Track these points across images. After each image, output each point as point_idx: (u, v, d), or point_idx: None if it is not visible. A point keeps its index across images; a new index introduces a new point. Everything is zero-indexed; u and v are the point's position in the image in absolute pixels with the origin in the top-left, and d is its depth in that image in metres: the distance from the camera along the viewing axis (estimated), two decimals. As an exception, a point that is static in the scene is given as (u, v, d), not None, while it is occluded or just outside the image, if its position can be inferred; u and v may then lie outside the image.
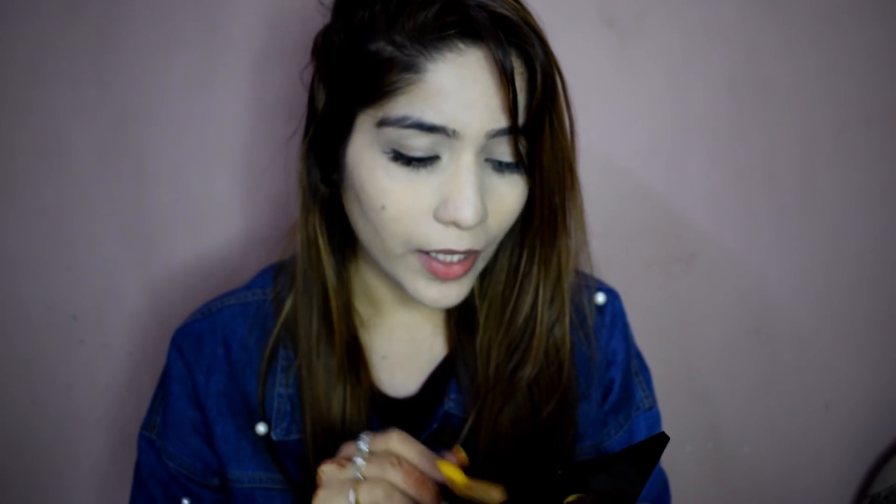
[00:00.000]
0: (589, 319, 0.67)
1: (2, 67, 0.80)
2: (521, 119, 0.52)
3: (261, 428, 0.63)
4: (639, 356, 0.72)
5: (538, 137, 0.53)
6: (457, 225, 0.53)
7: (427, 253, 0.55)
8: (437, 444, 0.58)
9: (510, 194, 0.55)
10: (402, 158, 0.52)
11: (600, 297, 0.69)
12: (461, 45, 0.50)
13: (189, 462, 0.66)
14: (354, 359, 0.63)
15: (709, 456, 1.06)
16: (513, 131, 0.52)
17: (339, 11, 0.55)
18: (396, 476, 0.50)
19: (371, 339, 0.66)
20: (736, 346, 1.05)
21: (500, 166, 0.55)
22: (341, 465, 0.51)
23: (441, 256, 0.55)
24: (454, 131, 0.51)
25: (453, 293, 0.57)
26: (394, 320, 0.66)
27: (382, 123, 0.52)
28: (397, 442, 0.52)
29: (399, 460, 0.51)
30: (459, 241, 0.54)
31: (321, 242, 0.61)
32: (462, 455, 0.53)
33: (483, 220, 0.53)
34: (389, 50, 0.51)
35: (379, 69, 0.51)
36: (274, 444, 0.63)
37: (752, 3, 0.95)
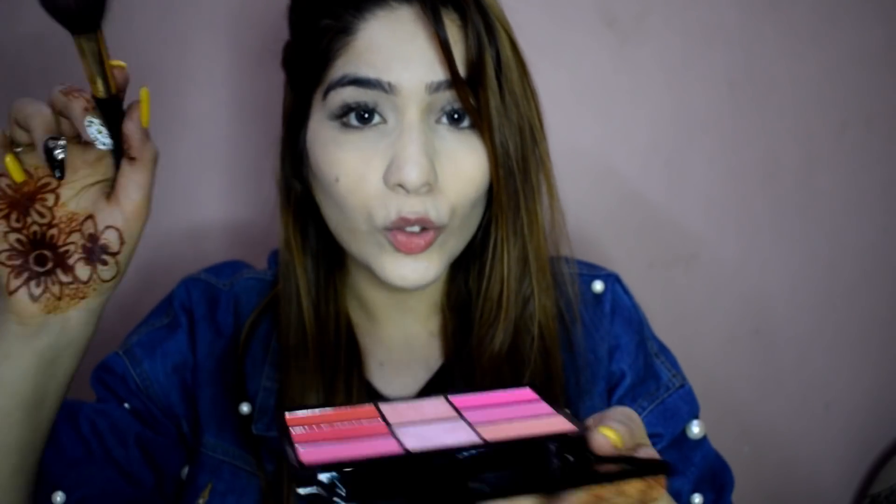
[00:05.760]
0: (575, 308, 0.64)
1: (1, 67, 0.80)
2: (461, 71, 0.52)
3: (244, 408, 0.61)
4: (654, 338, 0.69)
5: (481, 89, 0.52)
6: (403, 187, 0.52)
7: (390, 230, 0.54)
8: None
9: (466, 158, 0.54)
10: (348, 123, 0.53)
11: (598, 286, 0.66)
12: (393, 3, 0.53)
13: (155, 388, 0.63)
14: (350, 364, 0.62)
15: (709, 456, 1.06)
16: (455, 84, 0.52)
17: (291, 2, 0.58)
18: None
19: (369, 346, 0.65)
20: (736, 346, 1.04)
21: (453, 126, 0.54)
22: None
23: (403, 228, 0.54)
24: (390, 84, 0.52)
25: (421, 268, 0.55)
26: (390, 327, 0.65)
27: (327, 91, 0.54)
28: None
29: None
30: (411, 207, 0.52)
31: (294, 244, 0.61)
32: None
33: (429, 181, 0.52)
34: (327, 21, 0.54)
35: (320, 41, 0.54)
36: (253, 434, 0.61)
37: (752, 4, 0.96)
